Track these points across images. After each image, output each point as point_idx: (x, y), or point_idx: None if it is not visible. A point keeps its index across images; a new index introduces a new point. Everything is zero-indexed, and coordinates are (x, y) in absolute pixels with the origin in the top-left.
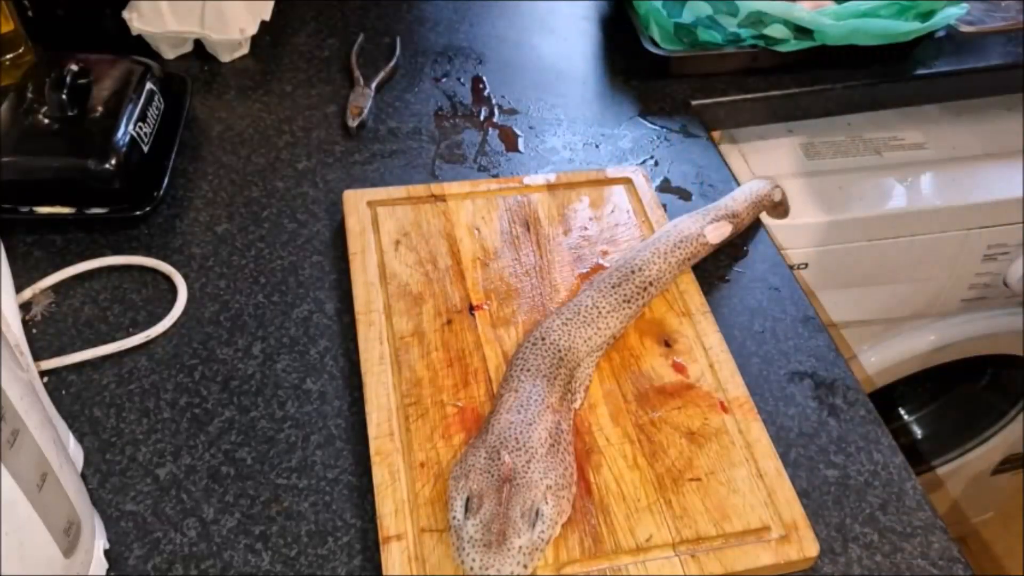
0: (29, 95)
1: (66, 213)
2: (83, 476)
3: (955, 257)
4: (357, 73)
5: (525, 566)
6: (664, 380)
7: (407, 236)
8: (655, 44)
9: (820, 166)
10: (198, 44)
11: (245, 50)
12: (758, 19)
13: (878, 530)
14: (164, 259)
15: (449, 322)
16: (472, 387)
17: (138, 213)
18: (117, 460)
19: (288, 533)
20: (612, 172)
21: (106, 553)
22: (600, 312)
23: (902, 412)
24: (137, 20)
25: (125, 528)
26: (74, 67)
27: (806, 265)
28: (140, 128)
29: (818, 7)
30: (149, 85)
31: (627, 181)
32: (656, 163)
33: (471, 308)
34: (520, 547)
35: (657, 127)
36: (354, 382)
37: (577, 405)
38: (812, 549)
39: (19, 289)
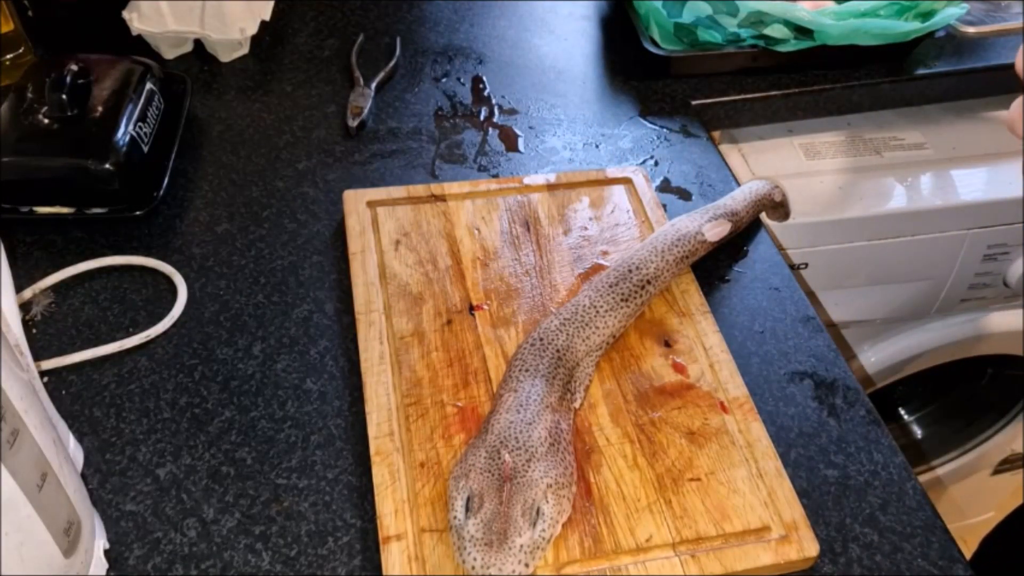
0: (29, 95)
1: (66, 213)
2: (83, 476)
3: (955, 257)
4: (357, 73)
5: (527, 565)
6: (664, 380)
7: (407, 236)
8: (655, 44)
9: (820, 166)
10: (198, 44)
11: (245, 50)
12: (758, 19)
13: (878, 530)
14: (164, 259)
15: (449, 322)
16: (472, 387)
17: (138, 213)
18: (117, 460)
19: (288, 533)
20: (612, 172)
21: (106, 553)
22: (598, 311)
23: (902, 412)
24: (137, 20)
25: (125, 528)
26: (74, 67)
27: (806, 265)
28: (140, 128)
29: (818, 7)
30: (149, 85)
31: (627, 181)
32: (656, 163)
33: (471, 308)
34: (521, 546)
35: (657, 127)
36: (354, 382)
37: (577, 405)
38: (812, 549)
39: (19, 289)
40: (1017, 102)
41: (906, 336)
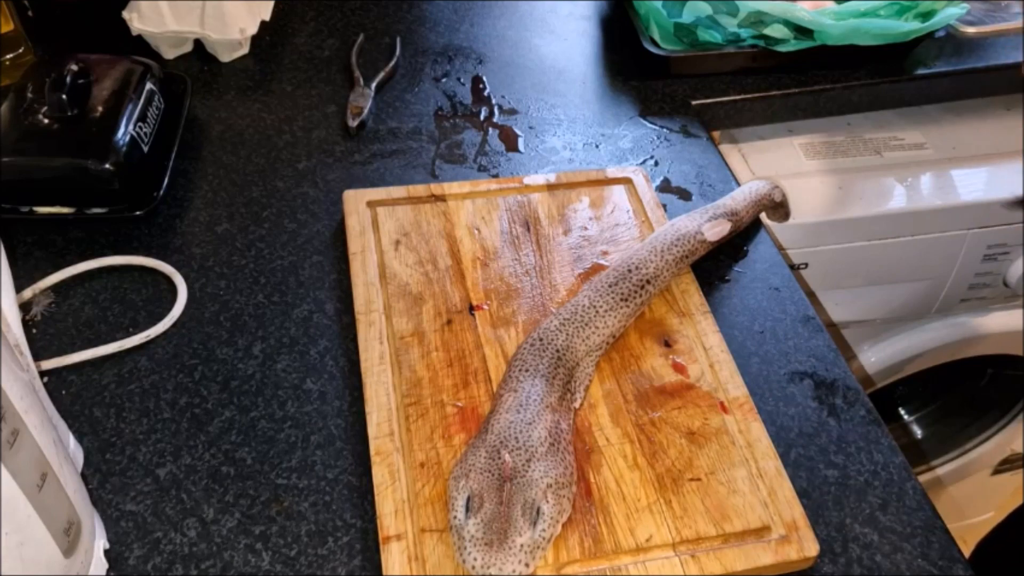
0: (29, 95)
1: (66, 213)
2: (83, 476)
3: (955, 257)
4: (357, 73)
5: (527, 564)
6: (664, 380)
7: (407, 236)
8: (655, 44)
9: (820, 166)
10: (198, 44)
11: (245, 50)
12: (758, 19)
13: (878, 530)
14: (164, 259)
15: (449, 322)
16: (472, 387)
17: (138, 213)
18: (117, 460)
19: (288, 533)
20: (612, 172)
21: (106, 553)
22: (598, 311)
23: (902, 412)
24: (137, 20)
25: (125, 528)
26: (74, 67)
27: (806, 265)
28: (140, 128)
29: (818, 7)
30: (149, 85)
31: (627, 181)
32: (656, 163)
33: (471, 308)
34: (522, 545)
35: (657, 127)
36: (354, 382)
37: (577, 405)
38: (812, 549)
39: (19, 289)
40: None
41: (906, 336)
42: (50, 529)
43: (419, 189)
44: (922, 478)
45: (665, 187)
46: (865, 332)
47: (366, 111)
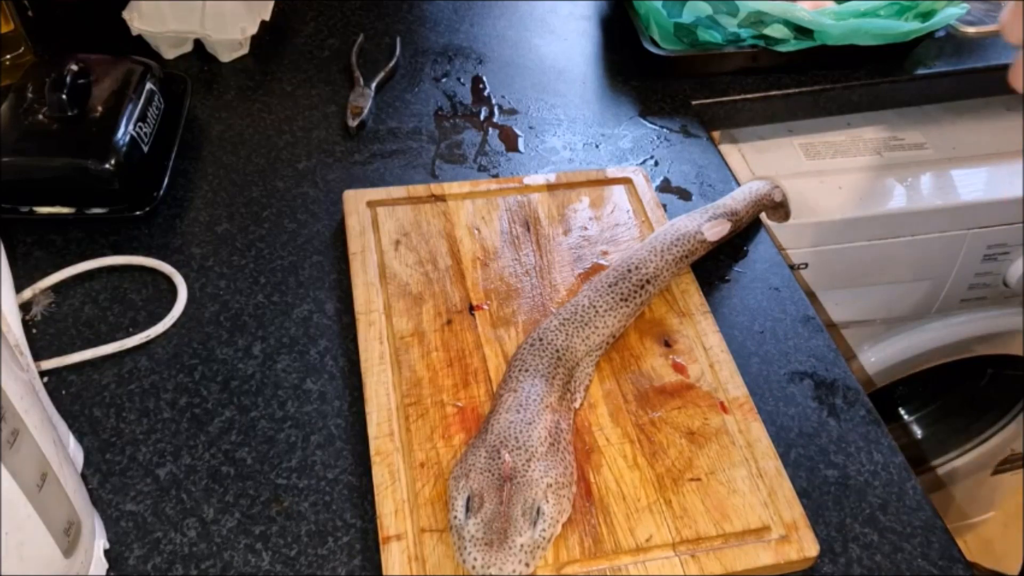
0: (29, 95)
1: (66, 213)
2: (83, 476)
3: (955, 257)
4: (357, 73)
5: (527, 564)
6: (664, 380)
7: (407, 236)
8: (655, 44)
9: (820, 166)
10: (198, 44)
11: (245, 50)
12: (758, 19)
13: (878, 530)
14: (164, 259)
15: (449, 322)
16: (472, 387)
17: (138, 213)
18: (117, 460)
19: (288, 533)
20: (612, 172)
21: (106, 553)
22: (597, 311)
23: (902, 412)
24: (137, 20)
25: (125, 528)
26: (74, 67)
27: (806, 265)
28: (140, 128)
29: (818, 7)
30: (149, 85)
31: (627, 181)
32: (656, 163)
33: (471, 308)
34: (522, 545)
35: (657, 127)
36: (354, 382)
37: (577, 405)
38: (812, 549)
39: (19, 289)
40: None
41: (906, 336)
42: (50, 529)
43: (419, 189)
44: (922, 478)
45: (665, 187)
46: (865, 332)
47: (366, 111)
